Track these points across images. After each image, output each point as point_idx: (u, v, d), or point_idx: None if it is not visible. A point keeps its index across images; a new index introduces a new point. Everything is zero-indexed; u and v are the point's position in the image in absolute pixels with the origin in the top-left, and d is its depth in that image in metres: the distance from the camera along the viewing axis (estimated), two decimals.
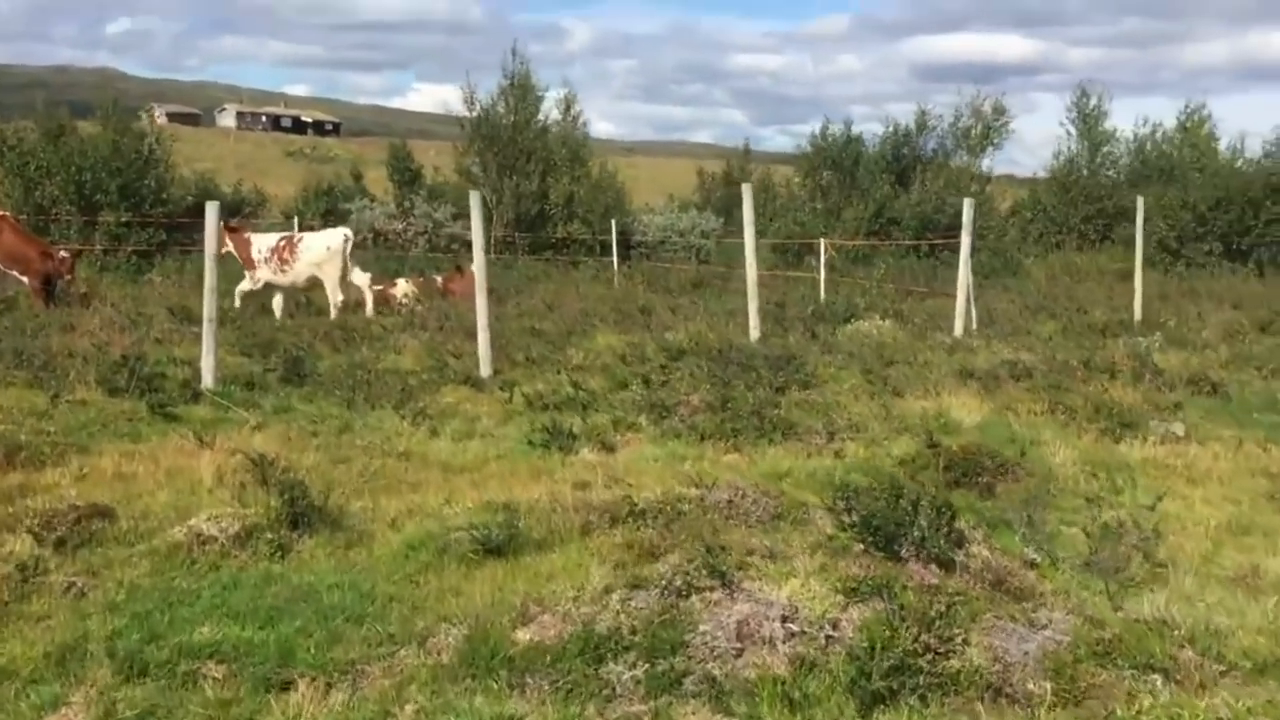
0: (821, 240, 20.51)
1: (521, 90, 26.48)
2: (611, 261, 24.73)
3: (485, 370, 11.63)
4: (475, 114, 26.41)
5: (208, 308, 10.52)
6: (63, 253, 15.90)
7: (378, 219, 26.28)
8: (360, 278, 16.90)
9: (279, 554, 5.52)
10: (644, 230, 26.90)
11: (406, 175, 28.66)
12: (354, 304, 16.78)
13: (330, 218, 26.28)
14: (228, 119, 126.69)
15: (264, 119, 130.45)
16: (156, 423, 8.63)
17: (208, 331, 10.44)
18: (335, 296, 16.34)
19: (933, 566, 4.72)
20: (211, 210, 10.73)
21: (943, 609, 4.06)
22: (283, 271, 16.41)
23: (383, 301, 18.64)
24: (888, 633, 3.94)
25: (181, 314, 14.46)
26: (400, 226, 26.38)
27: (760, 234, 31.40)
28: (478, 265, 11.96)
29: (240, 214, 25.93)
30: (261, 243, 16.77)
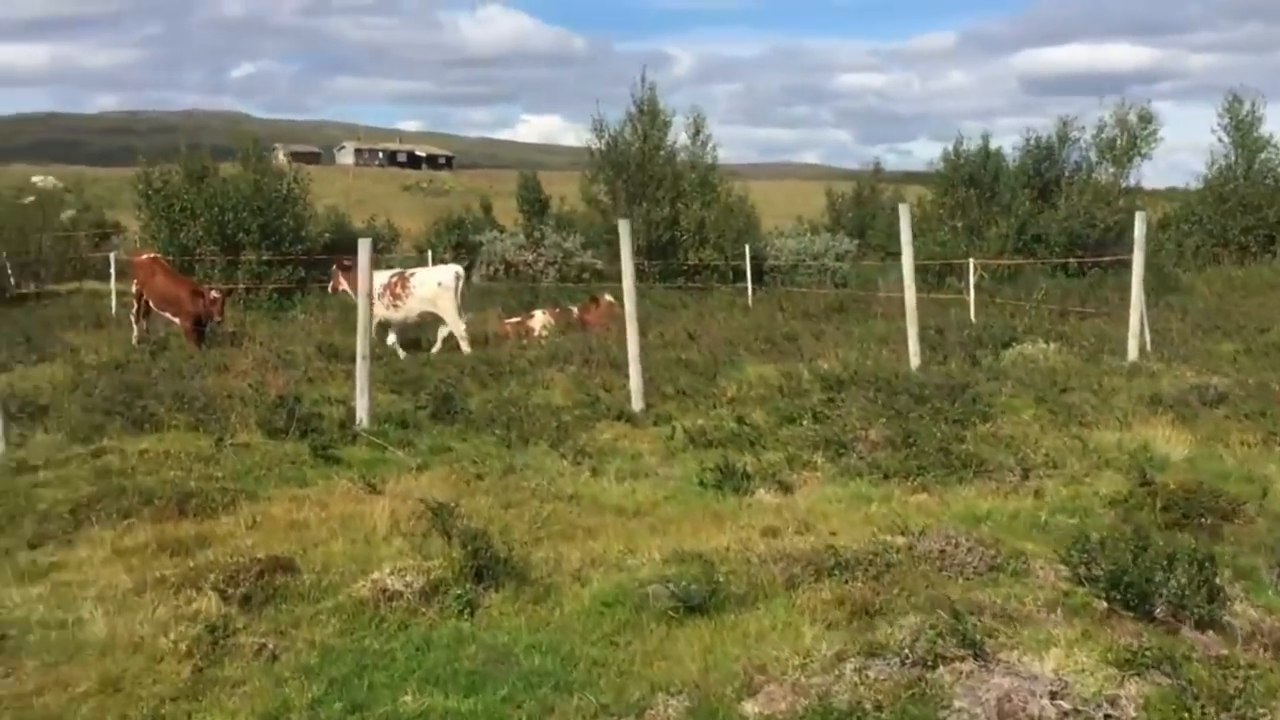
0: (970, 260, 19.80)
1: (650, 116, 26.38)
2: (745, 287, 24.37)
3: (638, 404, 11.38)
4: (604, 141, 26.38)
5: (361, 345, 10.50)
6: (213, 293, 16.26)
7: (508, 250, 26.44)
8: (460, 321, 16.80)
9: (467, 611, 5.29)
10: (776, 254, 26.49)
11: (536, 206, 28.82)
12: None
13: (461, 250, 26.56)
14: (346, 156, 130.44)
15: (380, 155, 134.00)
16: (320, 465, 8.59)
17: (362, 370, 10.42)
18: (458, 328, 16.36)
19: (1210, 633, 4.22)
20: (364, 247, 10.73)
21: (1240, 685, 3.58)
22: (395, 307, 16.48)
23: (521, 334, 18.62)
24: (1181, 714, 3.47)
25: (329, 351, 14.59)
26: (530, 257, 26.48)
27: (891, 256, 30.72)
28: (627, 294, 11.72)
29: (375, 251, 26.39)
30: (375, 279, 16.92)
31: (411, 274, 17.00)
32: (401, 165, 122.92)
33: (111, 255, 30.44)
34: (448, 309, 16.37)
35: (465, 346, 16.06)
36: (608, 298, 20.47)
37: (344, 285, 17.09)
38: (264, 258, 23.53)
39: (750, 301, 23.95)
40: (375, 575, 5.59)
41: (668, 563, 5.90)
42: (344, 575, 5.76)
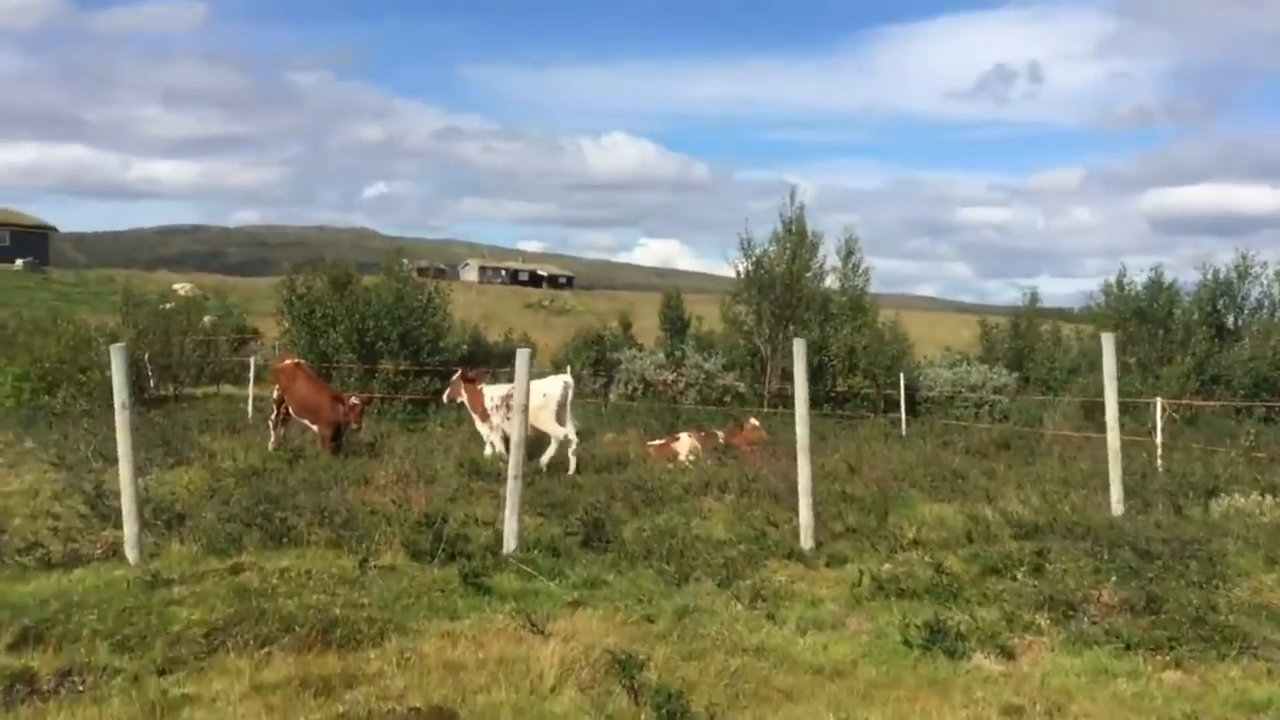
0: (1157, 400, 18.47)
1: (798, 236, 25.86)
2: (898, 418, 23.31)
3: (807, 542, 10.49)
4: (751, 261, 25.89)
5: (513, 465, 9.87)
6: (353, 400, 15.98)
7: (647, 369, 25.94)
8: (572, 434, 15.99)
9: None
10: (931, 385, 25.41)
11: (677, 325, 28.41)
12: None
13: (600, 367, 26.18)
14: (470, 273, 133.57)
15: (503, 273, 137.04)
16: (470, 594, 7.89)
17: (512, 491, 9.77)
18: (558, 433, 15.77)
19: None
20: (522, 358, 10.18)
21: None
22: (508, 419, 15.94)
23: (667, 456, 17.89)
24: None
25: (470, 467, 14.05)
26: (670, 377, 25.93)
27: (1051, 390, 29.32)
28: (800, 420, 10.89)
29: (510, 364, 26.18)
30: (493, 392, 16.55)
31: None
32: (523, 284, 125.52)
33: (251, 359, 31.04)
34: (546, 420, 15.81)
35: (572, 451, 15.43)
36: (753, 421, 19.74)
37: (462, 397, 16.74)
38: (401, 367, 23.45)
39: (904, 432, 22.84)
40: None
41: None
42: None
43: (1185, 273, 28.42)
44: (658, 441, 18.77)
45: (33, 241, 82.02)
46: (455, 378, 17.39)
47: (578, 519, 10.85)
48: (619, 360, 26.64)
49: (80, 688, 5.79)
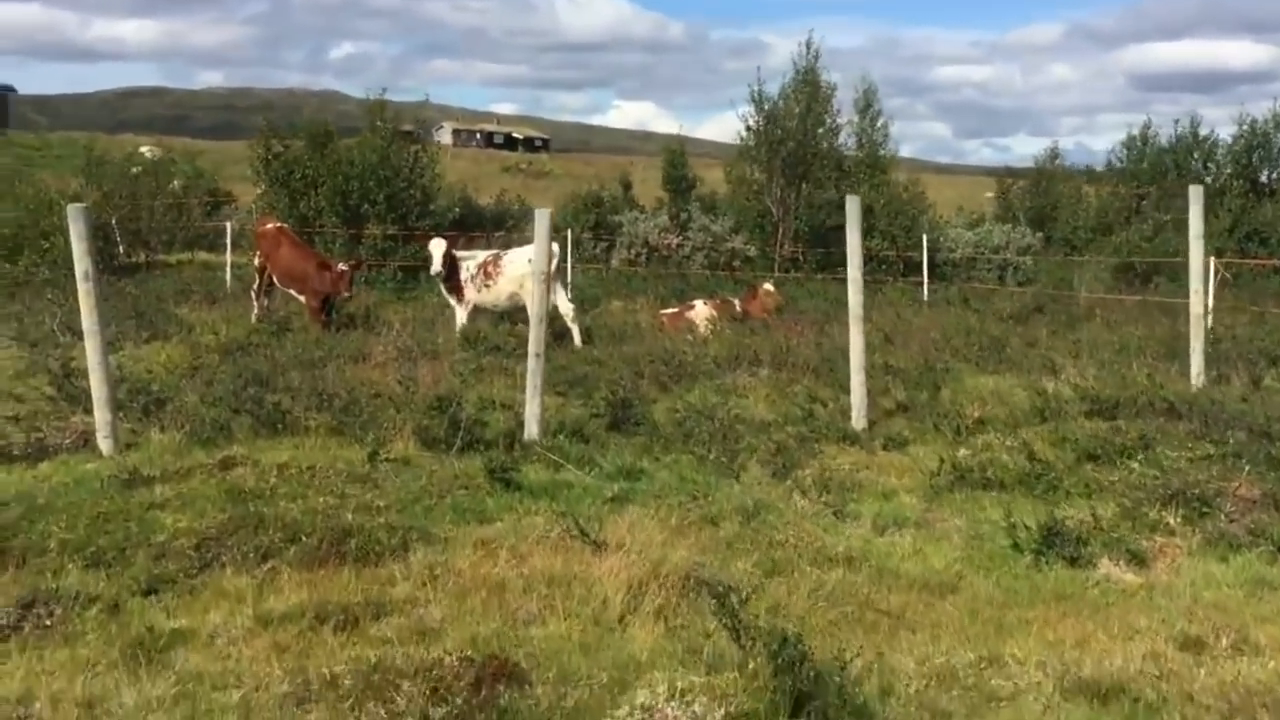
0: (1212, 260, 17.44)
1: (812, 87, 24.34)
2: (918, 282, 22.29)
3: (859, 422, 9.62)
4: (762, 115, 24.35)
5: (534, 341, 8.84)
6: (341, 266, 14.84)
7: (651, 232, 24.69)
8: (565, 304, 14.82)
9: None
10: (951, 246, 24.27)
11: (681, 185, 26.95)
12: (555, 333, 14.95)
13: (601, 231, 24.91)
14: (444, 136, 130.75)
15: (478, 136, 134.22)
16: (498, 492, 6.95)
17: (534, 370, 8.77)
18: (542, 312, 14.78)
19: None
20: (543, 219, 9.07)
21: None
22: (486, 288, 14.83)
23: (681, 327, 16.90)
24: None
25: (478, 340, 13.03)
26: (676, 240, 24.74)
27: (1076, 251, 28.23)
28: (853, 284, 9.89)
29: (503, 228, 24.88)
30: (468, 263, 15.08)
31: (504, 254, 15.32)
32: (498, 147, 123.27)
33: (228, 225, 29.72)
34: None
35: (574, 332, 14.42)
36: (768, 286, 18.65)
37: (438, 267, 14.86)
38: (389, 232, 22.20)
39: (926, 298, 21.87)
40: (643, 699, 3.88)
41: (1067, 697, 4.08)
42: (591, 691, 4.05)
43: (1166, 129, 26.92)
44: (670, 310, 17.75)
45: None
46: (439, 245, 15.04)
47: (602, 399, 9.92)
48: (620, 223, 25.35)
49: (47, 621, 4.85)
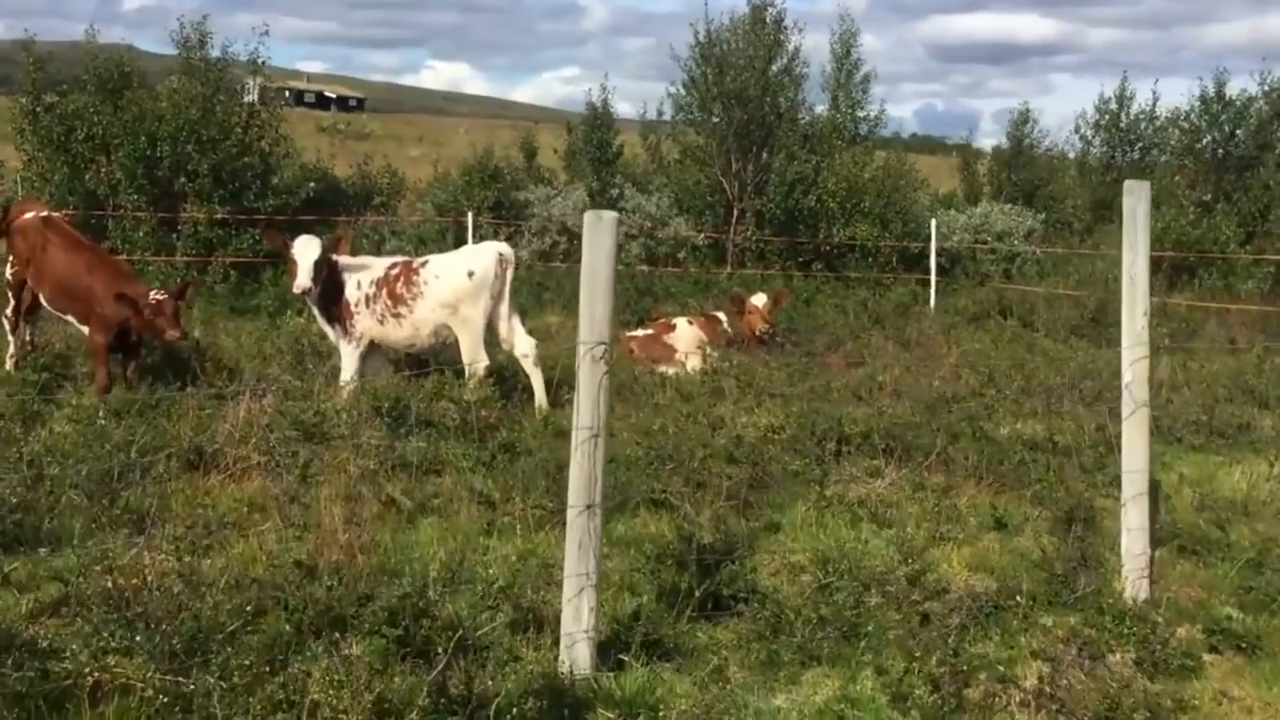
0: None
1: (773, 25, 20.01)
2: (924, 279, 18.37)
3: (1135, 588, 5.65)
4: (711, 62, 19.81)
5: (583, 416, 4.45)
6: (157, 294, 9.85)
7: (568, 214, 19.97)
8: (523, 340, 10.20)
9: None
10: (945, 234, 20.34)
11: (604, 154, 22.01)
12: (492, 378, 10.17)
13: (504, 214, 20.02)
14: (250, 95, 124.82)
15: (287, 94, 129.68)
16: None
17: (582, 535, 4.41)
18: (475, 357, 10.01)
19: None
20: (603, 229, 4.60)
21: None
22: (393, 318, 10.15)
23: (656, 357, 12.55)
24: None
25: (397, 407, 8.29)
26: None
27: (1076, 236, 24.81)
28: (1134, 341, 5.74)
29: (368, 209, 19.84)
30: (359, 276, 10.07)
31: (423, 263, 10.47)
32: (310, 106, 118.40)
33: None
34: (473, 322, 9.98)
35: (471, 385, 9.80)
36: (759, 298, 13.93)
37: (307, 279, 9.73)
38: (217, 215, 17.08)
39: (932, 301, 17.97)
40: None
41: None
42: None
43: (955, 102, 24.15)
44: (640, 333, 13.31)
45: None
46: (308, 247, 9.88)
47: (669, 555, 5.63)
48: (527, 203, 20.58)
49: None
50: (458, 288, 9.85)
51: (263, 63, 19.41)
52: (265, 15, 20.55)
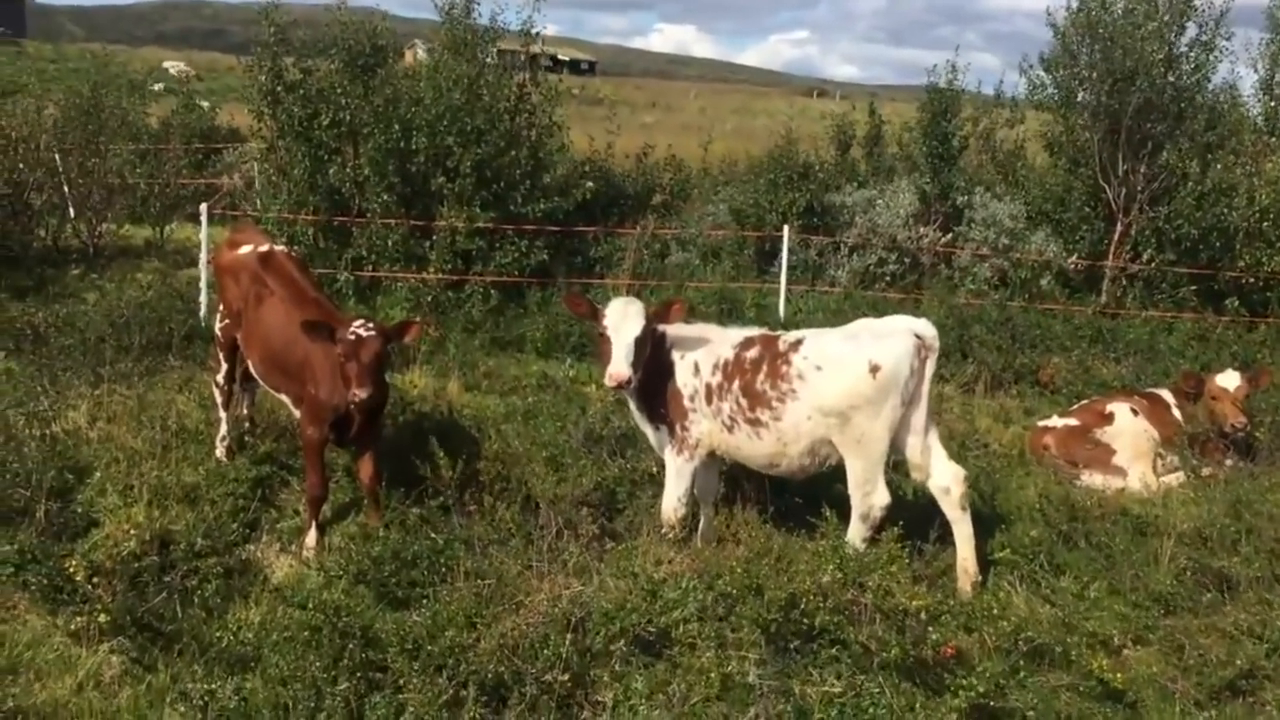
0: None
1: None
2: None
3: None
4: (1088, 21, 15.85)
5: None
6: (359, 328, 6.99)
7: (896, 225, 16.36)
8: (944, 467, 7.02)
9: None
10: None
11: (948, 148, 17.59)
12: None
13: (817, 223, 16.39)
14: (487, 59, 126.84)
15: (521, 58, 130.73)
16: None
17: None
18: (871, 490, 6.79)
19: None
20: None
21: None
22: (752, 426, 6.99)
23: (1087, 457, 9.24)
24: None
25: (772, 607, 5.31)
26: (940, 240, 16.48)
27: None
28: None
29: (645, 213, 16.69)
30: (697, 355, 7.18)
31: (795, 343, 7.27)
32: (546, 69, 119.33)
33: (228, 181, 22.62)
34: (870, 443, 6.76)
35: (860, 539, 6.65)
36: (1224, 377, 10.02)
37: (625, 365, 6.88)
38: (478, 223, 14.66)
39: None
40: None
41: None
42: None
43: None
44: (1058, 422, 9.83)
45: (3, 11, 75.35)
46: (630, 312, 7.02)
47: None
48: (843, 207, 17.15)
49: None
50: (852, 388, 6.67)
51: (538, 33, 16.57)
52: None
